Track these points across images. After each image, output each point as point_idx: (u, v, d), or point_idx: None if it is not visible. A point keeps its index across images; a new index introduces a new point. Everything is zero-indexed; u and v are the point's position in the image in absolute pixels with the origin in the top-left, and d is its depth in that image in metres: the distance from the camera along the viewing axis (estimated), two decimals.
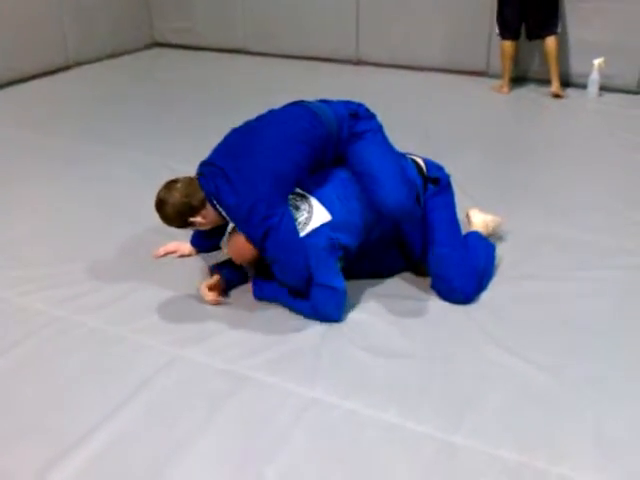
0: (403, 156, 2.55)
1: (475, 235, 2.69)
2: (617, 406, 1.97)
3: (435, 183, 2.53)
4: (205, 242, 2.71)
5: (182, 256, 2.75)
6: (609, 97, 4.90)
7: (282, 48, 6.01)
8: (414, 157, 2.59)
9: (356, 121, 2.44)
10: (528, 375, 2.10)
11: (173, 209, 2.31)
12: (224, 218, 2.36)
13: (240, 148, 2.36)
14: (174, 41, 6.48)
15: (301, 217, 2.33)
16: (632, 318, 2.38)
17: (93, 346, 2.25)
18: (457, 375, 2.10)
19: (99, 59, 5.96)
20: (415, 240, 2.54)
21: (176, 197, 2.30)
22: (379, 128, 2.50)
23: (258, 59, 6.01)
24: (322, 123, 2.38)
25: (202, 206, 2.32)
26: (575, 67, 5.03)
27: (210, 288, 2.45)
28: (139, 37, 6.41)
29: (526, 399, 2.00)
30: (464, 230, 2.63)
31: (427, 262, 2.52)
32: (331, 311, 2.34)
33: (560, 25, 4.87)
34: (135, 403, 1.98)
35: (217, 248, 2.71)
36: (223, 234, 2.64)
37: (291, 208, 2.34)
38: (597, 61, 4.85)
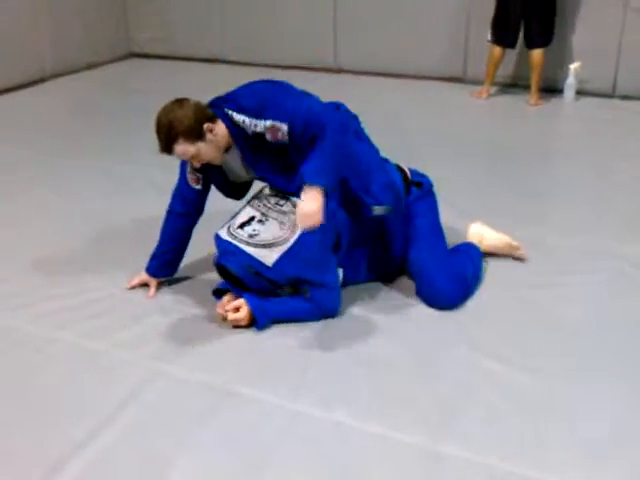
0: (386, 161, 2.56)
1: (466, 243, 2.71)
2: (603, 411, 1.97)
3: (418, 186, 2.55)
4: (163, 269, 2.58)
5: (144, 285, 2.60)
6: (585, 101, 4.95)
7: (260, 57, 5.99)
8: (398, 164, 2.60)
9: None
10: (513, 381, 2.09)
11: (190, 110, 2.25)
12: (232, 139, 2.30)
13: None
14: (151, 51, 6.45)
15: (290, 219, 2.31)
16: (616, 321, 2.39)
17: (71, 363, 2.21)
18: (442, 383, 2.10)
19: (76, 71, 5.91)
20: (397, 239, 2.54)
21: (190, 101, 2.28)
22: (362, 130, 2.51)
23: (236, 68, 5.99)
24: None
25: (214, 119, 2.28)
26: (551, 72, 5.07)
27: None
28: (116, 48, 6.37)
29: (512, 405, 1.99)
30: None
31: (408, 267, 2.53)
32: (335, 306, 2.39)
33: (554, 38, 4.86)
34: (116, 421, 1.94)
35: (174, 272, 2.61)
36: (180, 260, 2.58)
37: (276, 214, 2.33)
38: (573, 65, 4.90)
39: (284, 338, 2.31)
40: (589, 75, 4.93)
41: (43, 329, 2.37)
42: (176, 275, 2.65)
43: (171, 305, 2.50)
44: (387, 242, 2.55)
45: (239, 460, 1.81)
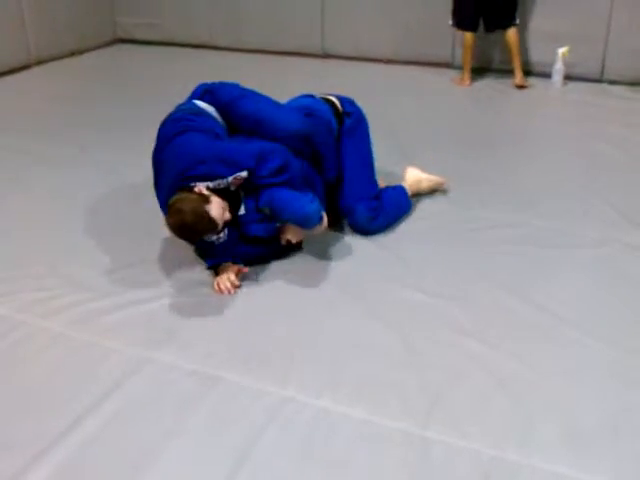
0: (311, 96, 2.87)
1: (398, 186, 3.01)
2: (588, 397, 1.99)
3: (349, 116, 2.84)
4: None
5: None
6: (573, 86, 4.95)
7: (248, 43, 5.95)
8: (327, 96, 2.87)
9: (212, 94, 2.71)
10: (498, 366, 2.10)
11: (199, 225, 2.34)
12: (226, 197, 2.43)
13: None
14: (138, 37, 6.38)
15: None
16: (601, 307, 2.40)
17: (59, 351, 2.21)
18: (428, 368, 2.10)
19: (61, 57, 5.84)
20: (330, 165, 2.78)
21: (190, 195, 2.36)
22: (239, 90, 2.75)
23: (225, 54, 5.95)
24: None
25: (208, 198, 2.35)
26: (539, 56, 5.06)
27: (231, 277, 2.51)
28: (102, 33, 6.29)
29: (496, 390, 2.00)
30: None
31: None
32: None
33: (518, 17, 4.87)
34: (104, 408, 1.95)
35: None
36: None
37: None
38: (561, 50, 4.89)
39: (270, 324, 2.31)
40: (577, 60, 4.92)
41: (30, 317, 2.36)
42: (157, 261, 2.66)
43: (155, 292, 2.49)
44: (321, 166, 2.76)
45: (225, 446, 1.82)
